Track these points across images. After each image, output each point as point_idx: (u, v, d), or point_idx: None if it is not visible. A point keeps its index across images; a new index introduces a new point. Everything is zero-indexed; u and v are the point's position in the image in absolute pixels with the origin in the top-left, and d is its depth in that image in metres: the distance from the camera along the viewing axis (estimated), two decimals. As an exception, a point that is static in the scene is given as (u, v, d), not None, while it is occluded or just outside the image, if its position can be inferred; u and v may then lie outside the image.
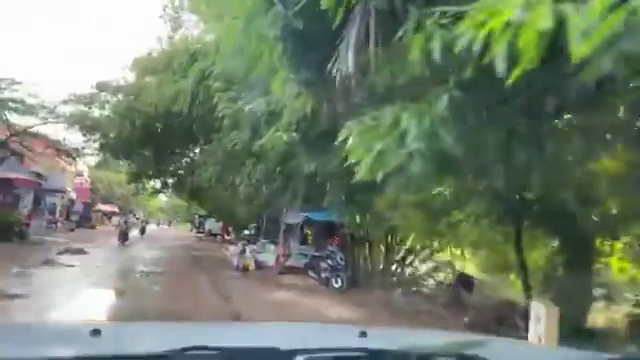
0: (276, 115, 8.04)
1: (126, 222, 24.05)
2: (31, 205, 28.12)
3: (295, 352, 1.29)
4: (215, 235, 40.43)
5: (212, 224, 41.41)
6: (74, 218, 34.40)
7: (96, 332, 1.38)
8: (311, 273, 13.75)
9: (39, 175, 29.27)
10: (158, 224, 59.68)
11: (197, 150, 20.91)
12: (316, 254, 13.94)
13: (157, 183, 37.18)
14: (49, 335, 1.64)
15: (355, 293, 12.55)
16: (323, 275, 13.00)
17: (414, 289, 13.49)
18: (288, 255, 14.85)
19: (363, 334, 1.66)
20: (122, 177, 37.99)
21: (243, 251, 19.15)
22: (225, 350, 1.26)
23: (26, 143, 19.55)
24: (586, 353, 1.90)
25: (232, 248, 21.92)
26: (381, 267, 14.51)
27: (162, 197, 65.91)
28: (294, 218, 14.76)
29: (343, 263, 13.11)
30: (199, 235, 42.76)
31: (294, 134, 8.37)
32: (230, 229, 42.43)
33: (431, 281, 14.02)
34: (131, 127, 15.99)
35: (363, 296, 12.13)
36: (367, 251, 14.83)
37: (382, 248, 14.65)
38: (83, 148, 20.41)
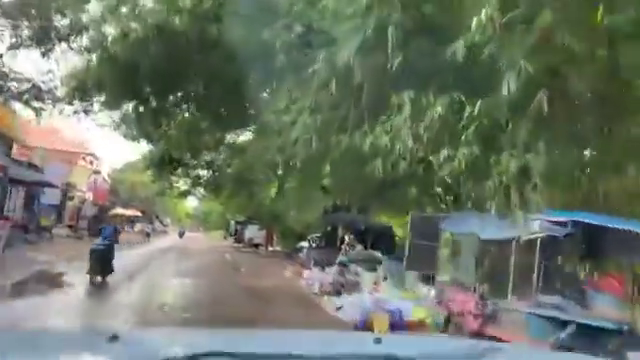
0: None
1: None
2: (19, 205, 20.76)
3: (310, 359, 1.32)
4: (257, 245, 32.58)
5: (253, 232, 33.55)
6: (83, 224, 26.90)
7: (114, 338, 1.35)
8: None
9: (35, 167, 21.90)
10: (181, 234, 41.40)
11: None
12: (595, 324, 5.35)
13: (186, 182, 30.26)
14: (67, 340, 1.65)
15: None
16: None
17: None
18: (491, 314, 6.28)
19: (378, 341, 1.56)
20: (146, 178, 30.85)
21: (347, 281, 10.84)
22: (240, 356, 1.28)
23: None
24: None
25: (306, 273, 13.64)
26: None
27: (191, 202, 58.38)
28: (505, 229, 6.18)
29: None
30: (236, 245, 34.62)
31: None
32: (275, 238, 34.51)
33: None
34: (137, 41, 7.74)
35: None
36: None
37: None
38: (52, 90, 11.39)
